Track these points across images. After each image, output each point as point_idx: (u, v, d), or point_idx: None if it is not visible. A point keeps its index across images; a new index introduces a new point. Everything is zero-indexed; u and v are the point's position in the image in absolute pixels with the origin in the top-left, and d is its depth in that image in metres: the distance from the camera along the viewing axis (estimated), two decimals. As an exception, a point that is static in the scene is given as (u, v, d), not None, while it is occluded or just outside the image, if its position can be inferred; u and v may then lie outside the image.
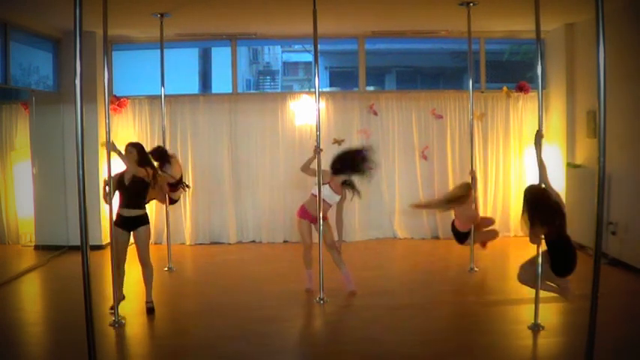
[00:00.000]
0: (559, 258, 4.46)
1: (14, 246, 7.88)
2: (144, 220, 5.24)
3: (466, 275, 6.56)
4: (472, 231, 6.69)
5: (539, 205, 4.41)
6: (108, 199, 4.99)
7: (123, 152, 5.23)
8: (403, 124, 8.60)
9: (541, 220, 4.34)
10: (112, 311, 5.00)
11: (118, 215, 5.20)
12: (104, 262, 6.65)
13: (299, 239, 8.38)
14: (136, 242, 5.24)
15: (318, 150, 5.57)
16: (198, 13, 6.96)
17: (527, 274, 4.68)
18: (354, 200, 8.38)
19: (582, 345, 3.41)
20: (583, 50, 7.73)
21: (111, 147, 5.07)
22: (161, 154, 6.56)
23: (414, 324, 4.93)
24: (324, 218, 5.70)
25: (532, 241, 4.47)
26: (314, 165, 5.64)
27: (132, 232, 5.23)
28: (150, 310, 5.21)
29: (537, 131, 4.74)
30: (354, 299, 5.65)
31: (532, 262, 4.65)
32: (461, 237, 6.73)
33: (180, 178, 6.75)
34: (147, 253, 5.25)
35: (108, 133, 5.04)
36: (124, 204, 5.21)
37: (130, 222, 5.18)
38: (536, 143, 4.71)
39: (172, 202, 7.01)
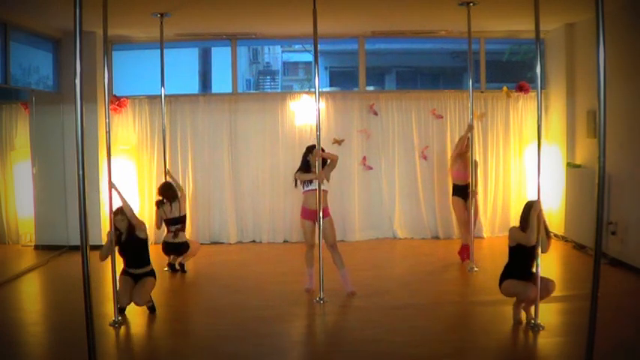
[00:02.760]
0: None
1: (14, 246, 7.89)
2: (150, 273, 5.26)
3: (466, 275, 6.55)
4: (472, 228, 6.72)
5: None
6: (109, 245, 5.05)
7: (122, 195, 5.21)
8: (403, 124, 8.60)
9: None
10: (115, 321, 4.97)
11: (124, 271, 5.25)
12: (104, 262, 6.63)
13: (300, 239, 8.47)
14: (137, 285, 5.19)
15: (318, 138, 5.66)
16: (198, 13, 6.96)
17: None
18: (354, 200, 8.50)
19: (582, 345, 3.41)
20: (583, 50, 7.73)
21: (113, 186, 5.05)
22: (167, 189, 6.75)
23: (414, 324, 4.93)
24: (326, 214, 5.72)
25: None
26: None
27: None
28: (151, 309, 5.21)
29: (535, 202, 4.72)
30: (354, 299, 5.64)
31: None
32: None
33: (181, 218, 6.77)
34: (147, 295, 5.19)
35: (108, 133, 5.04)
36: (127, 264, 5.25)
37: (137, 277, 5.21)
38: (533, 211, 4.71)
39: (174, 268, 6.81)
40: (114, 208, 5.06)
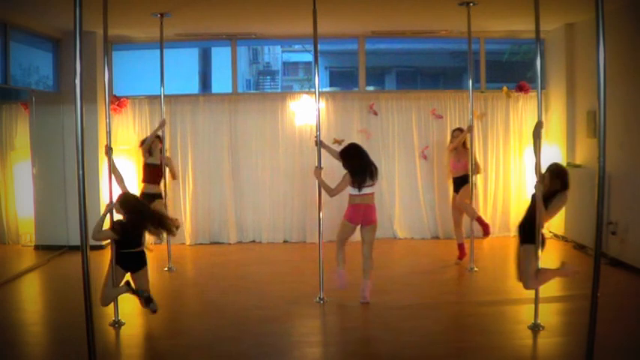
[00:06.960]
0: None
1: (14, 246, 7.88)
2: (143, 259, 4.95)
3: (466, 275, 6.56)
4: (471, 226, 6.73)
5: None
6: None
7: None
8: (403, 124, 8.60)
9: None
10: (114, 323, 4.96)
11: (119, 256, 4.87)
12: (104, 262, 6.62)
13: (300, 239, 8.48)
14: (134, 281, 4.98)
15: (319, 141, 5.58)
16: (198, 13, 6.96)
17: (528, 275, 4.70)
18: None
19: (582, 345, 3.41)
20: (583, 50, 7.73)
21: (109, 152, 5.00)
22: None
23: (414, 324, 4.92)
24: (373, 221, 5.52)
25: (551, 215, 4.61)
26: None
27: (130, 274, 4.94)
28: (148, 300, 4.88)
29: (537, 122, 4.65)
30: (353, 299, 5.62)
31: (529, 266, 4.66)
32: None
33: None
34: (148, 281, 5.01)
35: (108, 132, 5.02)
36: (126, 244, 4.88)
37: (131, 260, 4.89)
38: (535, 135, 4.64)
39: None
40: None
